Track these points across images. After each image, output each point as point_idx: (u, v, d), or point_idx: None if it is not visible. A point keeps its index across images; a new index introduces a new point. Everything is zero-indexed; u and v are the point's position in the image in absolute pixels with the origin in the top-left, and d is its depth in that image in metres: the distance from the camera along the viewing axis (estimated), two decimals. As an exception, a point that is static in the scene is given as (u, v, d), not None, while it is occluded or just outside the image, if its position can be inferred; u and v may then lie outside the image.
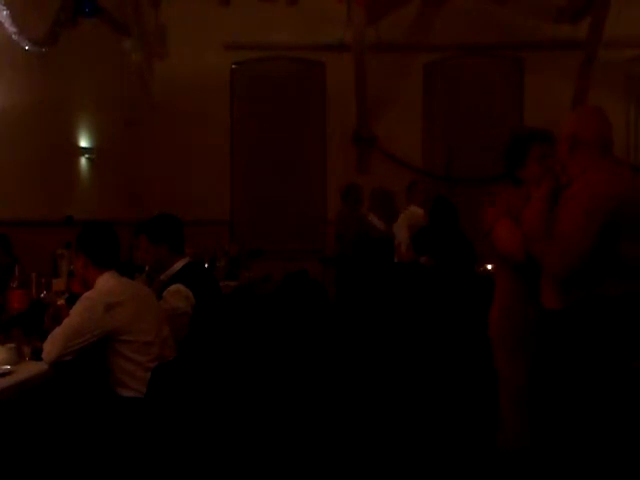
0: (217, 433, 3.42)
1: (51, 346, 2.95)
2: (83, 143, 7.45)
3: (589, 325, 2.81)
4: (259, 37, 8.54)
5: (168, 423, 3.00)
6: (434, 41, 8.59)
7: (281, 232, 8.93)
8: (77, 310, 3.04)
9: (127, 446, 2.94)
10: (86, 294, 3.10)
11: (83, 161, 7.48)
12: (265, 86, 9.04)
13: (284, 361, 5.62)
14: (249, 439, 4.18)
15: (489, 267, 5.42)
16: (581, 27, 8.11)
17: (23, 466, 2.72)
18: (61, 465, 2.85)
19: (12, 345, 2.97)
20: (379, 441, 4.29)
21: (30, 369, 2.87)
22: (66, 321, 3.05)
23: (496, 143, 9.06)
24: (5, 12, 5.57)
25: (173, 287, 3.58)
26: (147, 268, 4.07)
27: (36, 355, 3.01)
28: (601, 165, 2.87)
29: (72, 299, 3.68)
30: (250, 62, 8.99)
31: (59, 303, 3.43)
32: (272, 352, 5.69)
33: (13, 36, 5.76)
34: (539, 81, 8.51)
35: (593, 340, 2.80)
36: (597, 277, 2.81)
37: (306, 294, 6.81)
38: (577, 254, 2.75)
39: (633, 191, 2.86)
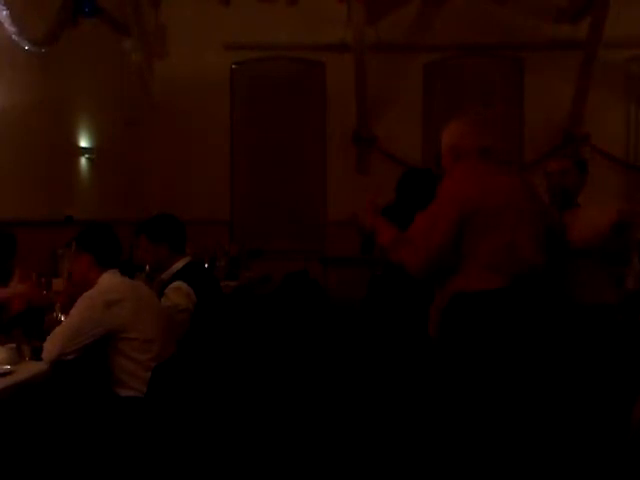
0: (217, 433, 3.42)
1: (52, 345, 2.96)
2: (83, 143, 7.45)
3: (455, 323, 3.00)
4: (259, 37, 8.54)
5: (168, 422, 3.00)
6: (434, 41, 8.59)
7: (281, 232, 8.93)
8: (77, 309, 3.04)
9: (127, 446, 2.94)
10: (86, 293, 3.10)
11: (83, 161, 7.48)
12: (265, 86, 9.04)
13: (284, 361, 5.63)
14: (249, 439, 4.19)
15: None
16: (581, 27, 8.10)
17: (23, 466, 2.72)
18: (61, 465, 2.85)
19: (12, 345, 2.97)
20: (377, 440, 4.29)
21: (30, 369, 2.87)
22: (67, 320, 3.06)
23: (496, 143, 9.03)
24: (5, 12, 5.57)
25: (175, 284, 3.59)
26: (147, 268, 4.07)
27: (36, 355, 3.01)
28: (474, 170, 3.08)
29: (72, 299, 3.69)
30: (250, 62, 8.99)
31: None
32: (272, 352, 5.69)
33: (13, 36, 5.76)
34: (539, 81, 8.51)
35: (461, 337, 2.97)
36: (459, 274, 2.99)
37: (306, 294, 6.81)
38: (433, 252, 2.96)
39: (490, 192, 3.01)
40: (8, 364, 2.84)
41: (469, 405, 2.96)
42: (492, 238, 2.97)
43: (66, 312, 3.24)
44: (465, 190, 3.03)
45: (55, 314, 3.31)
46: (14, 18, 5.66)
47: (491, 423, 2.94)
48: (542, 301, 3.07)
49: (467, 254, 2.99)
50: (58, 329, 3.02)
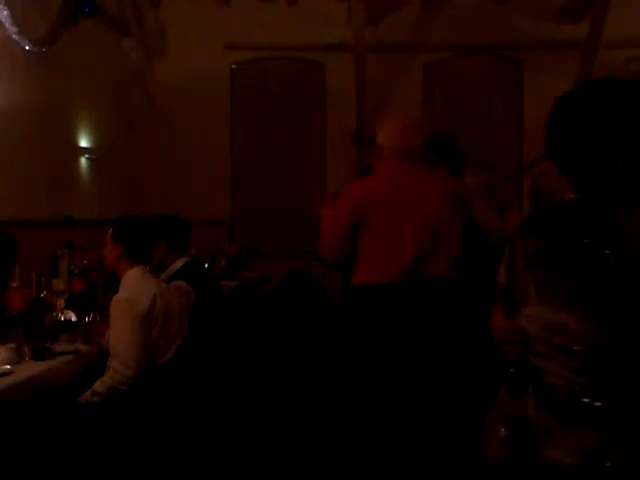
0: (216, 432, 3.42)
1: (127, 369, 2.98)
2: (83, 143, 7.45)
3: (344, 316, 3.30)
4: (259, 37, 8.54)
5: (167, 422, 3.00)
6: (434, 41, 8.58)
7: (281, 232, 8.93)
8: (120, 327, 3.05)
9: (127, 446, 2.94)
10: (116, 300, 3.11)
11: (83, 161, 7.47)
12: (265, 86, 9.03)
13: (283, 360, 5.62)
14: (248, 438, 4.18)
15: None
16: (581, 27, 8.09)
17: (22, 466, 2.72)
18: (60, 465, 2.85)
19: (12, 345, 2.97)
20: (377, 441, 4.28)
21: (30, 369, 2.87)
22: (121, 341, 3.05)
23: (496, 143, 9.08)
24: (5, 12, 5.57)
25: (174, 283, 3.59)
26: (147, 267, 4.07)
27: (36, 355, 3.00)
28: (387, 169, 3.26)
29: (72, 299, 3.69)
30: (250, 62, 8.98)
31: (58, 303, 3.44)
32: (272, 351, 5.69)
33: (13, 36, 5.76)
34: (539, 81, 8.50)
35: (345, 331, 3.26)
36: (356, 268, 3.20)
37: (306, 294, 6.81)
38: (328, 245, 3.29)
39: (389, 191, 3.19)
40: (8, 364, 2.84)
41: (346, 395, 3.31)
42: (380, 235, 3.13)
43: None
44: (367, 187, 3.24)
45: (55, 314, 3.31)
46: (14, 18, 5.66)
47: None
48: (428, 300, 3.14)
49: (360, 249, 3.17)
50: (121, 350, 3.03)
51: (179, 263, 3.77)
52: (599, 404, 1.46)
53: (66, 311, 3.44)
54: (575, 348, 1.48)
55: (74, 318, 3.45)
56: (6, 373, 2.74)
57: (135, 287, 3.14)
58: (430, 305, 3.13)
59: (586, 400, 1.47)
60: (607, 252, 1.43)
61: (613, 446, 1.44)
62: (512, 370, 1.59)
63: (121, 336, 3.04)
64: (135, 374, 2.98)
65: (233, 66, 8.97)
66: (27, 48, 5.98)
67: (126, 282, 3.18)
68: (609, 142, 1.56)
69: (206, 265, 6.06)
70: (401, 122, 3.39)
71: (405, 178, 3.24)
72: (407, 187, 3.20)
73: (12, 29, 5.69)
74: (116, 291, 3.23)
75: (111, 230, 3.28)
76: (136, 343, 3.00)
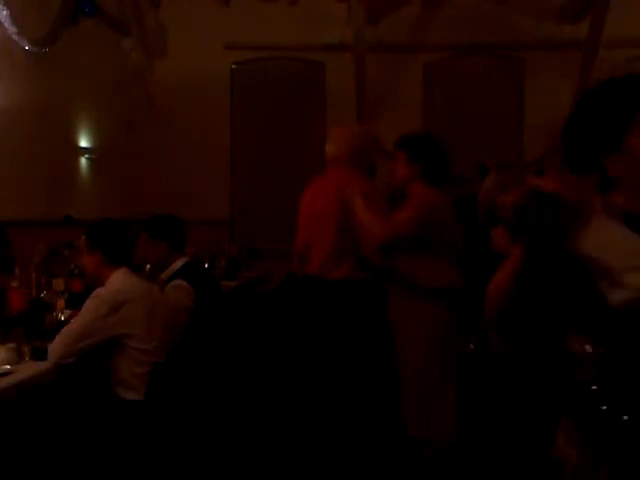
0: (216, 432, 3.42)
1: (56, 347, 2.95)
2: (83, 143, 7.46)
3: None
4: (259, 37, 8.54)
5: (167, 422, 3.00)
6: (434, 41, 8.59)
7: (282, 232, 8.90)
8: (84, 315, 3.02)
9: (127, 447, 2.94)
10: (97, 291, 3.09)
11: (83, 161, 7.48)
12: (265, 86, 9.03)
13: (283, 360, 5.62)
14: (248, 439, 4.18)
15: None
16: (581, 27, 8.10)
17: (23, 466, 2.72)
18: (61, 465, 2.85)
19: (12, 345, 2.96)
20: (376, 441, 4.28)
21: (30, 369, 2.86)
22: (73, 323, 3.04)
23: (496, 143, 9.08)
24: (5, 12, 5.58)
25: (175, 282, 3.59)
26: (148, 267, 4.07)
27: (36, 355, 3.00)
28: (329, 175, 3.70)
29: (72, 299, 3.69)
30: (250, 62, 8.99)
31: (58, 303, 3.43)
32: (271, 351, 5.68)
33: (13, 36, 5.77)
34: (539, 81, 8.51)
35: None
36: None
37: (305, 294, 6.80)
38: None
39: (306, 195, 3.65)
40: (8, 364, 2.83)
41: None
42: (297, 236, 3.55)
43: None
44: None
45: (55, 314, 3.31)
46: (14, 18, 5.67)
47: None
48: (299, 296, 3.54)
49: None
50: (65, 330, 3.01)
51: (179, 263, 3.77)
52: None
53: (66, 311, 3.44)
54: None
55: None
56: (6, 373, 2.74)
57: (121, 286, 3.12)
58: (299, 301, 3.53)
59: None
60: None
61: None
62: None
63: (75, 321, 3.03)
64: (55, 362, 2.93)
65: (233, 66, 8.97)
66: (27, 48, 5.99)
67: (112, 282, 3.14)
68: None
69: (206, 265, 6.05)
70: (331, 133, 3.71)
71: (320, 180, 3.64)
72: (315, 188, 3.60)
73: (12, 29, 5.70)
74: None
75: (84, 238, 3.22)
76: (78, 336, 2.97)
